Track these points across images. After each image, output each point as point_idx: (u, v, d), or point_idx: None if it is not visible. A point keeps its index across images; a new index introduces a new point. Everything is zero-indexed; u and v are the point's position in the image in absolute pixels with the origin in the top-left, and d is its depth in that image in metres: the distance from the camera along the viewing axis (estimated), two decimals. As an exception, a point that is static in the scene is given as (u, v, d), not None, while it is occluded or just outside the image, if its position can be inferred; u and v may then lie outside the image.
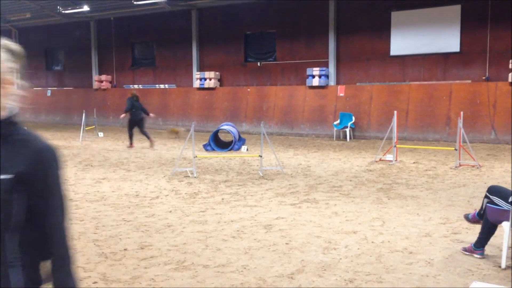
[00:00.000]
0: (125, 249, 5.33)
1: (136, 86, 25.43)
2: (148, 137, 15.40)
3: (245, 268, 4.79)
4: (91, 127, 19.49)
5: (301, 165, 11.58)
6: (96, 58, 26.92)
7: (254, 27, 21.77)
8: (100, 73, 26.74)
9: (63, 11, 24.25)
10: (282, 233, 5.97)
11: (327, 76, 19.30)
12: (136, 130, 15.44)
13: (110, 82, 26.29)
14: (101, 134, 19.20)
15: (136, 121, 15.31)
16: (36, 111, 28.52)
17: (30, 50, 29.82)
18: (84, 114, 18.22)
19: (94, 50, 26.90)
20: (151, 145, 15.38)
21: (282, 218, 6.71)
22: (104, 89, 26.10)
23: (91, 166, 11.53)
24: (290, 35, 20.66)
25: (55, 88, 28.78)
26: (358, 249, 5.35)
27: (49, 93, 28.50)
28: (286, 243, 5.57)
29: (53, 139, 18.04)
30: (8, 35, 30.41)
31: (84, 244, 5.52)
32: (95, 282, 4.41)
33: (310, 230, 6.08)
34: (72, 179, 9.72)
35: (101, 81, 26.17)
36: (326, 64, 19.53)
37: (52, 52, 29.44)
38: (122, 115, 16.32)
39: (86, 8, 23.24)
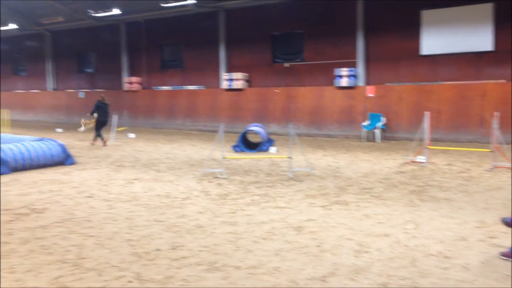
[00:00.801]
0: (157, 249, 5.39)
1: (165, 87, 25.71)
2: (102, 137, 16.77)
3: (276, 270, 4.78)
4: (123, 128, 19.78)
5: (330, 167, 11.50)
6: (126, 60, 27.34)
7: (281, 27, 21.74)
8: (130, 75, 27.14)
9: (94, 15, 24.70)
10: (313, 235, 5.93)
11: (355, 76, 19.12)
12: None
13: (140, 84, 26.66)
14: (131, 135, 19.48)
15: (104, 122, 16.92)
16: (69, 113, 29.15)
17: (63, 53, 30.55)
18: (115, 116, 18.50)
19: (124, 52, 27.31)
20: (104, 144, 16.61)
21: (313, 220, 6.68)
22: (135, 91, 26.48)
23: (123, 166, 11.70)
24: (318, 35, 20.55)
25: (87, 90, 29.34)
26: (391, 252, 5.27)
27: (81, 95, 29.08)
28: (317, 246, 5.53)
29: (86, 139, 18.39)
30: (42, 39, 31.20)
31: (118, 244, 5.60)
32: (130, 281, 4.47)
33: (341, 233, 6.03)
34: (105, 180, 9.88)
35: (131, 83, 26.56)
36: (354, 64, 19.35)
37: (84, 55, 30.02)
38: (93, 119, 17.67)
39: (116, 11, 23.62)
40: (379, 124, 17.61)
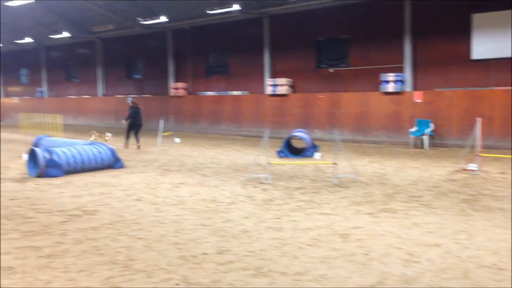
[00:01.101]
0: (204, 253, 5.45)
1: (210, 93, 26.05)
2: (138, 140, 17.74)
3: (323, 277, 4.74)
4: (168, 133, 20.17)
5: (377, 173, 11.30)
6: (173, 66, 27.89)
7: (326, 33, 21.62)
8: (177, 81, 27.66)
9: (142, 22, 25.35)
10: (360, 243, 5.84)
11: (402, 82, 18.75)
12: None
13: (186, 89, 27.12)
14: (177, 140, 19.81)
15: (139, 125, 17.93)
16: (118, 118, 30.00)
17: (113, 60, 31.49)
18: (162, 121, 18.87)
19: (171, 58, 27.88)
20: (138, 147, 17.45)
21: (359, 227, 6.58)
22: (180, 96, 26.96)
23: (169, 170, 11.92)
24: (363, 40, 20.30)
25: (135, 95, 30.10)
26: (442, 263, 5.12)
27: (129, 100, 29.82)
28: (365, 254, 5.44)
29: (133, 144, 18.85)
30: (93, 46, 32.29)
31: (166, 247, 5.70)
32: (177, 284, 4.53)
33: (389, 241, 5.91)
34: (153, 183, 10.10)
35: (177, 88, 27.06)
36: (401, 69, 18.98)
37: (133, 62, 30.85)
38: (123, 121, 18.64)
39: (164, 18, 24.15)
40: (428, 131, 17.18)
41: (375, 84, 19.69)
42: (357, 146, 17.95)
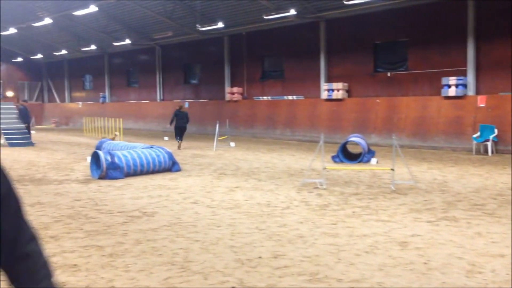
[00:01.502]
0: (259, 257, 5.47)
1: (265, 97, 26.18)
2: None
3: (380, 285, 4.63)
4: (224, 137, 20.44)
5: (437, 180, 10.94)
6: (229, 71, 28.28)
7: (384, 36, 21.22)
8: (232, 86, 28.02)
9: (200, 29, 25.88)
10: (419, 252, 5.67)
11: (465, 86, 18.08)
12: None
13: (241, 94, 27.40)
14: (232, 144, 20.04)
15: (182, 128, 19.13)
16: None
17: (171, 65, 32.34)
18: (217, 125, 19.18)
19: (227, 63, 28.27)
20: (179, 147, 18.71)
21: (418, 235, 6.39)
22: (236, 101, 27.28)
23: (225, 174, 12.07)
24: (424, 43, 19.76)
25: (192, 100, 30.76)
26: (507, 274, 4.88)
27: (186, 105, 30.53)
28: (424, 263, 5.27)
29: (190, 147, 19.26)
30: (153, 52, 33.28)
31: (222, 250, 5.77)
32: (233, 287, 4.58)
33: (451, 251, 5.70)
34: (209, 187, 10.26)
35: (233, 93, 27.40)
36: (464, 73, 18.31)
37: (190, 67, 31.56)
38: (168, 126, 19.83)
39: (220, 24, 24.56)
40: (492, 136, 16.45)
41: (436, 88, 19.11)
42: (416, 152, 17.46)
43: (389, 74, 21.07)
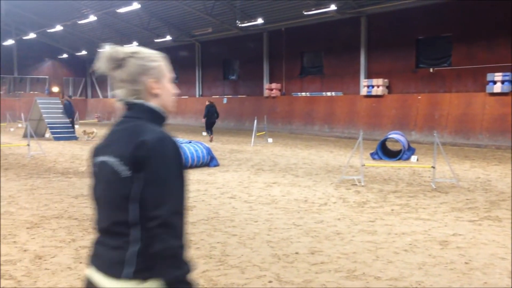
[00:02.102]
0: (296, 253, 5.48)
1: (303, 93, 26.07)
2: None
3: (419, 284, 4.56)
4: (262, 133, 20.49)
5: (480, 179, 10.63)
6: (268, 67, 28.29)
7: (427, 31, 20.73)
8: (271, 82, 28.02)
9: (240, 25, 26.00)
10: (460, 251, 5.54)
11: (511, 82, 17.46)
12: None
13: (280, 90, 27.38)
14: (270, 140, 20.06)
15: (213, 122, 20.63)
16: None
17: (210, 61, 32.62)
18: (255, 121, 19.24)
19: (266, 59, 28.29)
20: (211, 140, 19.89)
21: (460, 235, 6.24)
22: (274, 97, 27.27)
23: (262, 170, 12.11)
24: (468, 38, 19.20)
25: (230, 96, 30.96)
26: (554, 277, 4.71)
27: (225, 101, 30.78)
28: (466, 263, 5.15)
29: (228, 143, 19.42)
30: (192, 49, 33.66)
31: (259, 244, 5.81)
32: (270, 282, 4.60)
33: (493, 251, 5.54)
34: (246, 182, 10.32)
35: (271, 89, 27.41)
36: (510, 69, 17.68)
37: (229, 63, 31.75)
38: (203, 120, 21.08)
39: (260, 21, 24.58)
40: (539, 135, 15.84)
41: (480, 84, 18.56)
42: (458, 150, 17.01)
43: (431, 70, 20.59)
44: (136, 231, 1.81)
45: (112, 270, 1.82)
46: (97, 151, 1.97)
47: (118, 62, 1.95)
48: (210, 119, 20.60)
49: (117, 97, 1.99)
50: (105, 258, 1.87)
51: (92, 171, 1.99)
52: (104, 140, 1.97)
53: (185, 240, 1.87)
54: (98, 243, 1.94)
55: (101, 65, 1.98)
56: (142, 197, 1.80)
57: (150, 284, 1.80)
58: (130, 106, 1.97)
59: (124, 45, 2.03)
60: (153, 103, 1.98)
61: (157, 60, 2.03)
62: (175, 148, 1.89)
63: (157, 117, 1.99)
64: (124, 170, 1.82)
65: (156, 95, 1.99)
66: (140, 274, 1.80)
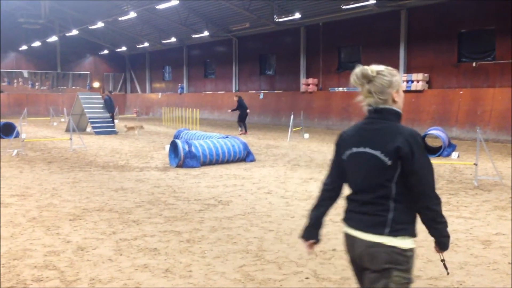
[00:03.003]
0: (333, 249, 5.44)
1: (340, 89, 25.79)
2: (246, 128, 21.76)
3: (461, 284, 4.45)
4: (298, 128, 20.40)
5: (525, 177, 10.27)
6: (304, 62, 28.11)
7: (469, 24, 20.12)
8: (307, 77, 27.84)
9: (277, 20, 25.92)
10: (504, 251, 5.37)
11: (559, 76, 16.75)
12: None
13: (316, 85, 27.18)
14: (306, 136, 19.97)
15: (245, 115, 21.88)
16: (250, 113, 31.06)
17: (247, 57, 32.69)
18: (292, 116, 19.17)
19: (303, 54, 28.12)
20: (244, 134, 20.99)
21: (503, 234, 6.05)
22: (311, 92, 27.10)
23: (298, 165, 12.07)
24: (513, 31, 18.51)
25: (267, 91, 30.95)
26: None
27: (261, 96, 30.79)
28: (509, 263, 4.99)
29: (264, 138, 19.44)
30: (229, 44, 33.80)
31: (296, 240, 5.79)
32: (307, 278, 4.59)
33: (539, 252, 5.34)
34: (282, 177, 10.32)
35: (308, 84, 27.23)
36: (558, 62, 16.98)
37: (265, 58, 31.73)
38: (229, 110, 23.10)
39: (297, 15, 24.43)
40: None
41: (525, 79, 17.88)
42: (501, 147, 16.47)
43: (474, 64, 19.98)
44: (393, 203, 2.51)
45: (375, 229, 2.51)
46: (350, 142, 2.65)
47: (369, 79, 2.59)
48: (243, 113, 21.79)
49: (365, 104, 2.65)
50: (366, 221, 2.55)
51: (345, 157, 2.66)
52: (355, 134, 2.65)
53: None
54: (356, 212, 2.61)
55: (354, 80, 2.67)
56: (408, 180, 2.49)
57: (399, 240, 2.50)
58: (379, 111, 2.59)
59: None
60: (395, 107, 2.60)
61: (396, 75, 2.61)
62: (422, 138, 2.61)
63: (399, 117, 2.60)
64: (387, 160, 2.47)
65: (395, 102, 2.60)
66: (393, 233, 2.49)
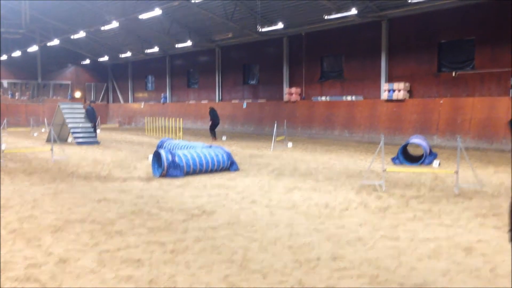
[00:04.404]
0: (318, 258, 5.45)
1: (323, 98, 25.98)
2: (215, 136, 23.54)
3: (444, 291, 4.50)
4: (282, 138, 20.47)
5: (505, 184, 10.44)
6: (288, 72, 28.30)
7: (449, 35, 20.51)
8: (291, 86, 28.01)
9: (260, 30, 26.08)
10: (486, 258, 5.45)
11: (536, 86, 17.13)
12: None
13: (299, 95, 27.34)
14: (290, 145, 20.04)
15: (217, 124, 23.80)
16: (233, 122, 31.11)
17: (230, 66, 32.79)
18: (275, 125, 19.23)
19: (286, 64, 28.31)
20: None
21: (484, 241, 6.13)
22: (294, 101, 27.25)
23: (283, 175, 12.09)
24: (492, 41, 18.94)
25: (250, 100, 31.02)
26: None
27: (245, 105, 30.85)
28: (491, 270, 5.06)
29: (248, 147, 19.45)
30: (213, 54, 33.86)
31: (280, 250, 5.79)
32: (292, 287, 4.59)
33: (520, 258, 5.42)
34: (266, 187, 10.32)
35: (291, 94, 27.40)
36: (535, 72, 17.37)
37: (249, 68, 31.85)
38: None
39: (280, 25, 24.62)
40: None
41: (504, 88, 18.27)
42: (481, 155, 16.74)
43: (454, 74, 20.33)
44: None
45: None
46: None
47: None
48: (215, 121, 23.76)
49: None
50: None
51: None
52: None
53: None
54: None
55: None
56: None
57: None
58: None
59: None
60: None
61: None
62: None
63: None
64: None
65: None
66: None
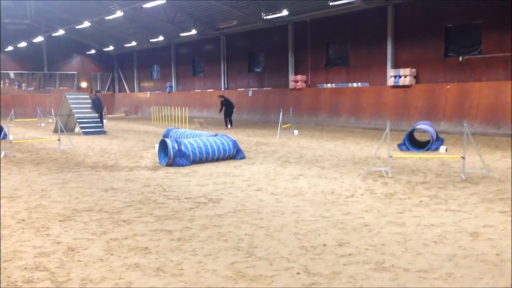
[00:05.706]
0: (324, 244, 5.47)
1: (329, 85, 25.88)
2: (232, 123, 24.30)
3: (450, 276, 4.51)
4: (287, 125, 20.44)
5: (511, 169, 10.40)
6: (293, 59, 28.16)
7: (456, 19, 20.29)
8: (296, 73, 27.90)
9: (265, 17, 25.92)
10: (492, 243, 5.45)
11: (544, 69, 16.96)
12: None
13: (305, 82, 27.24)
14: (295, 132, 20.01)
15: (231, 112, 24.50)
16: (239, 110, 31.09)
17: (235, 54, 32.67)
18: (281, 113, 19.20)
19: (291, 51, 28.17)
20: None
21: (491, 226, 6.13)
22: (299, 89, 27.16)
23: (288, 162, 12.10)
24: (499, 25, 18.71)
25: (256, 88, 30.95)
26: None
27: (250, 94, 30.80)
28: (497, 254, 5.06)
29: (254, 135, 19.45)
30: (217, 42, 33.74)
31: (286, 236, 5.82)
32: (298, 273, 4.62)
33: (526, 243, 5.42)
34: (272, 174, 10.34)
35: (297, 81, 27.30)
36: (543, 56, 17.18)
37: (254, 55, 31.73)
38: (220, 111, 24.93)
39: (285, 12, 24.45)
40: None
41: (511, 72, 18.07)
42: (488, 140, 16.65)
43: (461, 58, 20.16)
44: None
45: None
46: None
47: None
48: (229, 110, 24.23)
49: None
50: None
51: None
52: None
53: None
54: None
55: None
56: None
57: None
58: None
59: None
60: None
61: None
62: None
63: None
64: None
65: None
66: None
